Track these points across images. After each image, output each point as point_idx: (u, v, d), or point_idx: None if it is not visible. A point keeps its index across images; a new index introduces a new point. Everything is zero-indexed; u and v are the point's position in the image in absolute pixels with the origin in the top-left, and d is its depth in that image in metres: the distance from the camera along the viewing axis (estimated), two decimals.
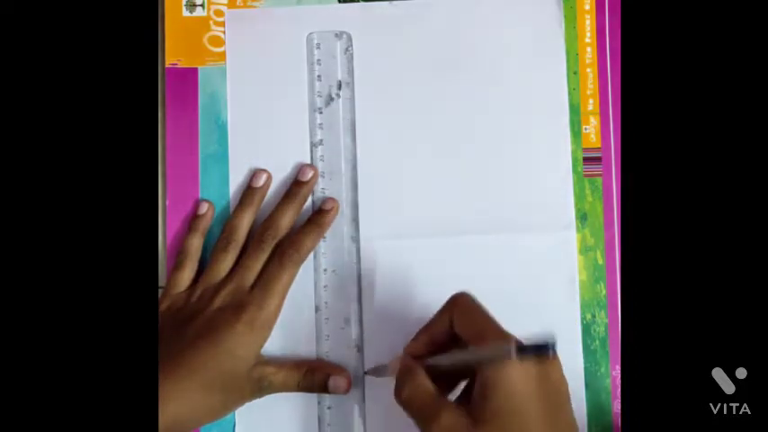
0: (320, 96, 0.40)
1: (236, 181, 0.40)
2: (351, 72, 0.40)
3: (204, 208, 0.39)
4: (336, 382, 0.37)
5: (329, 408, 0.38)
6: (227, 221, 0.39)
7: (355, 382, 0.38)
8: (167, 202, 0.40)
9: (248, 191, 0.39)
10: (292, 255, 0.37)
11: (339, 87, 0.40)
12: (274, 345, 0.38)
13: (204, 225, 0.39)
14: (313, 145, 0.40)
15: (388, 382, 0.36)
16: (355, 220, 0.39)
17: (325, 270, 0.39)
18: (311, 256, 0.39)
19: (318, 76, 0.40)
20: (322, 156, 0.40)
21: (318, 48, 0.40)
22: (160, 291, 0.39)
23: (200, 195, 0.40)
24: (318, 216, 0.39)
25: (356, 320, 0.39)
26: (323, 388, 0.37)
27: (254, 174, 0.39)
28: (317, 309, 0.39)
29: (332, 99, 0.40)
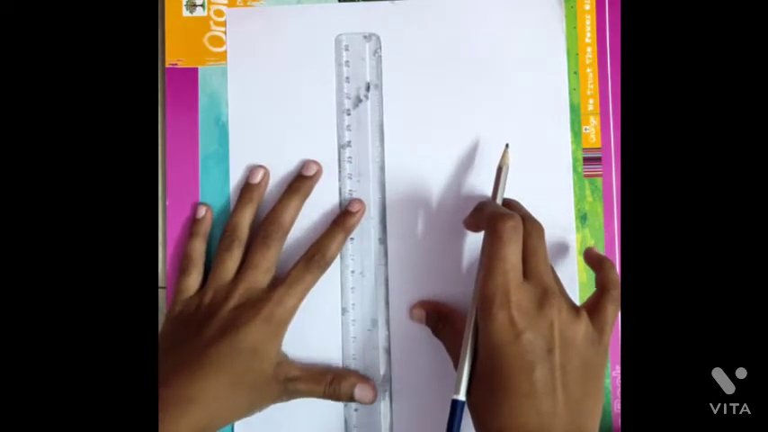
0: (348, 98, 0.40)
1: (236, 181, 0.40)
2: (379, 74, 0.40)
3: (202, 212, 0.39)
4: (363, 391, 0.37)
5: (356, 410, 0.38)
6: (227, 220, 0.39)
7: (383, 384, 0.38)
8: (167, 203, 0.40)
9: (246, 188, 0.39)
10: (319, 260, 0.37)
11: (367, 89, 0.39)
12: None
13: (205, 228, 0.39)
14: (341, 147, 0.40)
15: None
16: (383, 221, 0.39)
17: (352, 272, 0.39)
18: (338, 257, 0.39)
19: (347, 78, 0.40)
20: (350, 157, 0.40)
21: (347, 49, 0.40)
22: (160, 291, 0.39)
23: (200, 196, 0.40)
24: (344, 218, 0.38)
25: (383, 322, 0.39)
26: (349, 397, 0.37)
27: (251, 171, 0.39)
28: (343, 311, 0.39)
29: (360, 101, 0.39)
